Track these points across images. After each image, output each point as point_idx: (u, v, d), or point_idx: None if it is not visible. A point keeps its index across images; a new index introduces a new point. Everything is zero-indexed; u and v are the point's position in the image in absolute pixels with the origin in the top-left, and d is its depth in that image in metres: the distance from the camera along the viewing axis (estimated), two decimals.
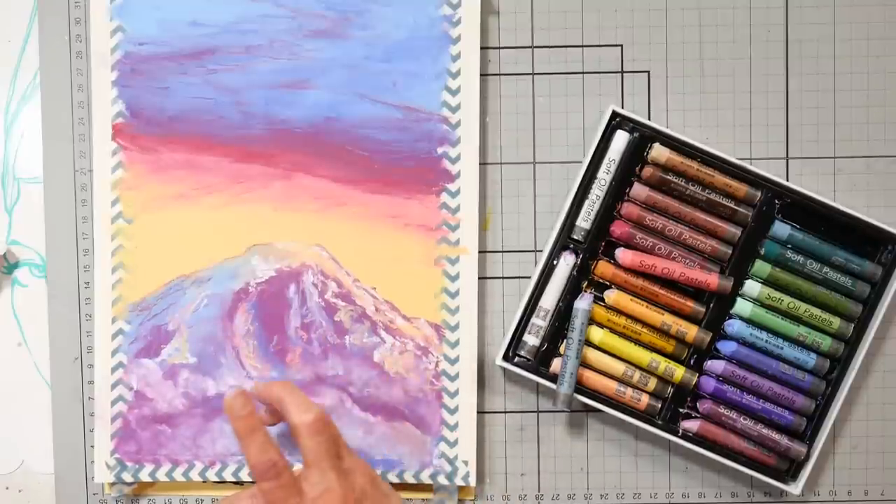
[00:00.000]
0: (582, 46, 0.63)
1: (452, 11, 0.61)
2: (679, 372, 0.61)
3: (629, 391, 0.61)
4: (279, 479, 0.52)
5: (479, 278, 0.63)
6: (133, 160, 0.62)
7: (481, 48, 0.62)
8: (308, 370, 0.62)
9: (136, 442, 0.62)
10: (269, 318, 0.62)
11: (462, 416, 0.62)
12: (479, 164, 0.62)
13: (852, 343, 0.61)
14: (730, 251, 0.61)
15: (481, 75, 0.62)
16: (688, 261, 0.61)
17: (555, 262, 0.61)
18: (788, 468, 0.62)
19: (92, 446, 0.63)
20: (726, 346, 0.61)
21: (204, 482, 0.63)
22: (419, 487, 0.63)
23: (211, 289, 0.62)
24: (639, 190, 0.61)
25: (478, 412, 0.63)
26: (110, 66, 0.62)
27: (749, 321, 0.61)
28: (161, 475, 0.62)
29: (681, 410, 0.61)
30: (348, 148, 0.62)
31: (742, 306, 0.61)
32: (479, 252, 0.63)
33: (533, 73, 0.63)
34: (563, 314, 0.61)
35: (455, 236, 0.62)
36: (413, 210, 0.62)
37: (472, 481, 0.62)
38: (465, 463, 0.62)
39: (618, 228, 0.61)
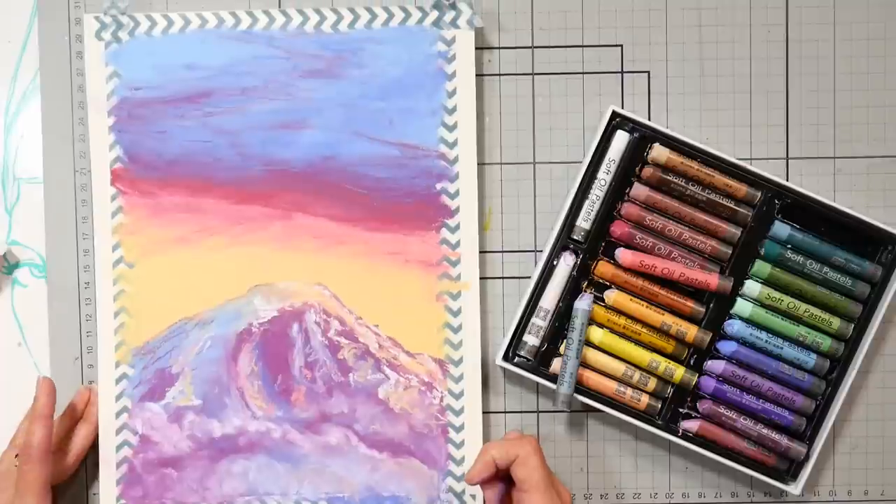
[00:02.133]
0: (582, 46, 0.63)
1: (447, 48, 0.61)
2: (679, 372, 0.61)
3: (629, 391, 0.61)
4: None
5: (480, 278, 0.62)
6: (133, 205, 0.62)
7: (482, 49, 0.62)
8: (313, 409, 0.62)
9: (141, 487, 0.62)
10: (272, 358, 0.62)
11: (468, 450, 0.62)
12: (479, 164, 0.62)
13: (852, 343, 0.61)
14: (730, 251, 0.61)
15: (481, 76, 0.62)
16: (688, 261, 0.61)
17: (555, 262, 0.61)
18: (788, 468, 0.62)
19: (96, 494, 0.62)
20: (726, 346, 0.61)
21: None
22: None
23: (214, 330, 0.62)
24: (639, 190, 0.61)
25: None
26: (106, 111, 0.61)
27: (749, 321, 0.61)
28: None
29: (681, 410, 0.61)
30: (347, 186, 0.62)
31: (742, 306, 0.61)
32: (480, 252, 0.63)
33: (533, 74, 0.63)
34: (563, 314, 0.61)
35: (456, 271, 0.62)
36: (413, 246, 0.62)
37: None
38: (473, 497, 0.62)
39: (618, 228, 0.61)
